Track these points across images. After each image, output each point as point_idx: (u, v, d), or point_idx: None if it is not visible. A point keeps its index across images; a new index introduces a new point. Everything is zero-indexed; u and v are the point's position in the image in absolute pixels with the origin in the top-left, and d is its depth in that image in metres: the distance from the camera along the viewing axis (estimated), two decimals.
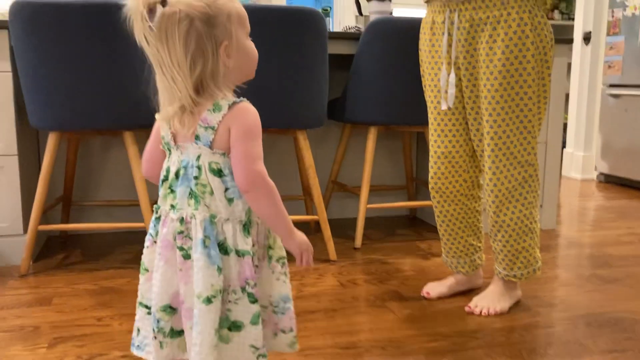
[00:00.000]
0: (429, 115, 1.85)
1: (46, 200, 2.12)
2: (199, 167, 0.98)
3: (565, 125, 4.12)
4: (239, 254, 0.99)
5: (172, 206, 1.00)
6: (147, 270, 1.05)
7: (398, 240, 2.59)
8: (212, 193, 0.98)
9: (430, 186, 1.87)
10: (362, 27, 2.72)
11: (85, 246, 2.45)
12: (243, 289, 0.99)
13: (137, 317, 1.07)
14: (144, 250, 1.05)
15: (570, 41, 2.69)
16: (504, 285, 1.81)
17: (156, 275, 1.01)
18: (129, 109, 2.02)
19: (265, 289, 1.05)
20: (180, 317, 1.01)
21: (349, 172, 2.95)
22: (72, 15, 1.87)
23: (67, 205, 2.48)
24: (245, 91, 2.04)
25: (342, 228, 2.75)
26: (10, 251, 2.17)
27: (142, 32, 0.94)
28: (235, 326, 0.99)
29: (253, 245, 1.01)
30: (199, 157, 0.98)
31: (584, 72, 4.30)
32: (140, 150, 2.64)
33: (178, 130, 0.99)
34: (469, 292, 1.93)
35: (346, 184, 2.77)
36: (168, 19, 0.93)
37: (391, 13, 2.68)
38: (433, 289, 1.91)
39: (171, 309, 1.01)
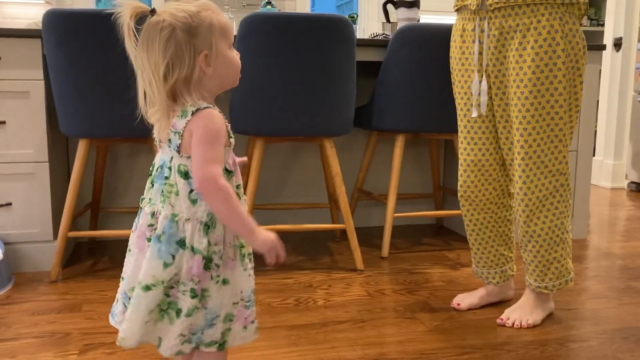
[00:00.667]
0: (459, 122, 1.82)
1: (75, 207, 2.14)
2: (169, 168, 1.05)
3: (594, 133, 4.04)
4: (194, 251, 1.04)
5: (150, 199, 1.08)
6: (130, 251, 1.12)
7: (426, 250, 2.56)
8: (177, 194, 1.04)
9: (459, 194, 1.84)
10: (390, 34, 2.70)
11: (113, 253, 2.46)
12: (187, 284, 1.05)
13: (119, 289, 1.13)
14: (130, 234, 1.12)
15: (602, 47, 2.64)
16: (537, 297, 1.77)
17: (130, 259, 1.09)
18: None
19: (236, 285, 1.09)
20: None
21: (375, 180, 2.93)
22: (102, 24, 1.89)
23: (96, 212, 2.50)
24: (273, 98, 2.04)
25: (368, 237, 2.73)
26: (41, 257, 2.19)
27: (129, 39, 1.02)
28: (179, 312, 1.06)
29: (216, 244, 1.06)
30: (171, 158, 1.06)
31: (614, 79, 4.22)
32: None
33: (157, 132, 1.07)
34: (500, 303, 1.90)
35: (372, 192, 2.75)
36: (153, 27, 1.01)
37: (419, 20, 2.66)
38: (463, 300, 1.88)
39: None
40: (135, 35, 1.02)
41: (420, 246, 2.62)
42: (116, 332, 1.65)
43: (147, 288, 1.04)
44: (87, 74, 1.95)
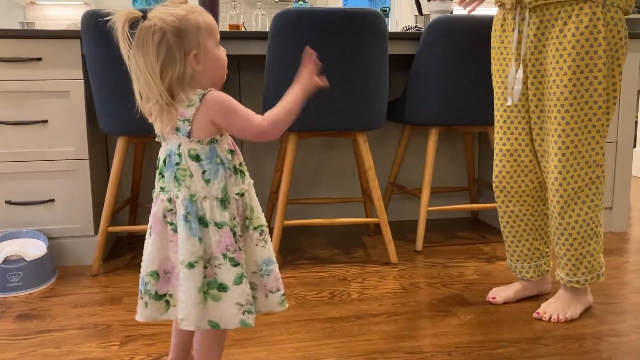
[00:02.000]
0: (495, 112, 1.80)
1: (115, 202, 2.19)
2: (179, 155, 1.14)
3: (635, 124, 3.93)
4: (218, 225, 1.14)
5: (162, 188, 1.17)
6: (147, 239, 1.21)
7: (460, 243, 2.54)
8: (191, 176, 1.13)
9: (494, 185, 1.83)
10: (422, 27, 2.69)
11: None
12: (224, 255, 1.14)
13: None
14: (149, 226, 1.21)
15: None
16: (574, 290, 1.74)
17: (147, 246, 1.19)
18: None
19: (249, 256, 1.20)
20: (163, 283, 1.19)
21: (408, 174, 2.92)
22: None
23: (135, 207, 2.56)
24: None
25: (402, 230, 2.72)
26: (83, 251, 2.26)
27: (123, 43, 1.10)
28: (222, 287, 1.15)
29: (234, 218, 1.15)
30: (179, 146, 1.14)
31: None
32: None
33: (160, 128, 1.14)
34: (537, 297, 1.87)
35: (406, 186, 2.75)
36: (145, 31, 1.09)
37: (452, 12, 2.63)
38: (499, 293, 1.87)
39: (157, 275, 1.18)
40: (129, 39, 1.10)
41: (454, 239, 2.60)
42: (156, 324, 1.71)
43: (191, 265, 1.12)
44: (124, 73, 1.99)
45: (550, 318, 1.71)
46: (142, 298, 1.20)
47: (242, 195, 1.19)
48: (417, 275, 2.12)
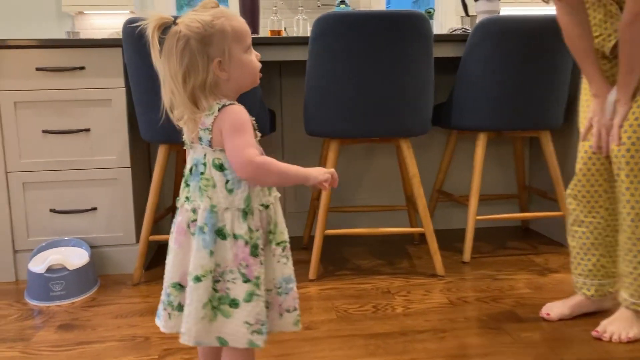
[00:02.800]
0: (580, 113, 1.70)
1: (156, 210, 2.18)
2: (204, 164, 1.11)
3: None
4: (236, 237, 1.09)
5: (187, 198, 1.13)
6: (169, 252, 1.18)
7: (511, 254, 2.42)
8: (214, 186, 1.10)
9: (568, 191, 1.71)
10: (469, 28, 2.59)
11: None
12: (238, 270, 1.09)
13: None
14: (170, 235, 1.18)
15: None
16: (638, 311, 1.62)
17: (169, 257, 1.15)
18: None
19: (268, 272, 1.14)
20: (183, 293, 1.14)
21: (455, 181, 2.82)
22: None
23: None
24: (347, 99, 1.99)
25: (449, 240, 2.62)
26: (125, 260, 2.26)
27: (153, 49, 1.08)
28: (234, 303, 1.10)
29: (257, 231, 1.11)
30: (205, 155, 1.11)
31: None
32: None
33: (186, 134, 1.13)
34: (595, 314, 1.75)
35: (452, 193, 2.65)
36: (171, 38, 1.07)
37: (499, 12, 2.52)
38: (553, 309, 1.76)
39: (180, 287, 1.14)
40: (159, 46, 1.09)
41: (504, 250, 2.48)
42: None
43: (198, 279, 1.08)
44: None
45: (611, 338, 1.59)
46: (165, 309, 1.17)
47: (267, 207, 1.14)
48: (464, 288, 2.03)
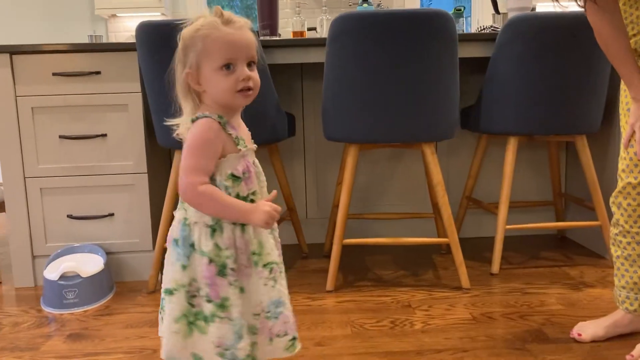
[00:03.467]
0: (621, 117, 1.56)
1: (172, 218, 2.13)
2: None
3: None
4: (202, 254, 1.05)
5: (177, 207, 1.13)
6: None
7: (543, 265, 2.28)
8: None
9: (611, 199, 1.57)
10: (499, 27, 2.45)
11: None
12: (204, 288, 1.06)
13: None
14: None
15: None
16: None
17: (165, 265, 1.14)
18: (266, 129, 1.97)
19: (254, 296, 1.08)
20: None
21: (486, 187, 2.68)
22: None
23: None
24: (366, 102, 1.90)
25: (478, 249, 2.50)
26: (141, 267, 2.23)
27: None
28: (206, 319, 1.06)
29: (227, 249, 1.05)
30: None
31: None
32: (286, 163, 2.64)
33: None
34: (631, 335, 1.61)
35: (482, 201, 2.52)
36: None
37: (533, 9, 2.38)
38: (586, 329, 1.62)
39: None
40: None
41: (536, 261, 2.34)
42: None
43: (169, 292, 1.07)
44: None
45: None
46: (160, 313, 1.16)
47: (243, 226, 1.07)
48: (490, 303, 1.91)
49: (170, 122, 1.12)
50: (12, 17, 4.70)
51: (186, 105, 1.09)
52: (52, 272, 2.00)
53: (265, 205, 1.06)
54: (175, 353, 1.07)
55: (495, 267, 2.18)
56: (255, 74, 1.08)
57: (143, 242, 2.21)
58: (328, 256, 2.39)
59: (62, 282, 1.96)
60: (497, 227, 2.18)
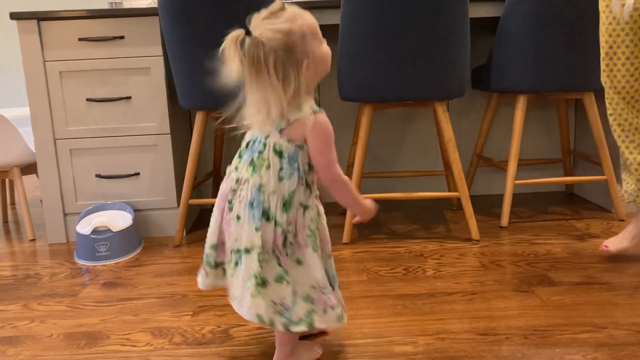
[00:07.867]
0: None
1: (197, 175, 2.24)
2: (264, 144, 1.17)
3: None
4: (276, 224, 1.16)
5: (236, 168, 1.22)
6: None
7: (551, 219, 2.37)
8: (268, 167, 1.15)
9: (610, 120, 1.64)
10: None
11: None
12: (273, 252, 1.16)
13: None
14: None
15: None
16: None
17: (211, 220, 1.25)
18: None
19: (312, 270, 1.19)
20: (219, 253, 1.26)
21: (497, 145, 2.76)
22: (212, 2, 1.94)
23: (217, 180, 2.62)
24: (379, 62, 1.98)
25: (489, 205, 2.59)
26: (167, 223, 2.35)
27: (238, 60, 1.09)
28: (264, 282, 1.16)
29: (290, 224, 1.17)
30: (267, 136, 1.17)
31: None
32: None
33: (262, 129, 1.18)
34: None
35: (492, 158, 2.60)
36: (254, 49, 1.08)
37: None
38: (613, 243, 1.72)
39: (216, 247, 1.25)
40: (242, 55, 1.09)
41: (544, 215, 2.43)
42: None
43: (247, 251, 1.17)
44: (199, 49, 2.01)
45: None
46: (203, 269, 1.30)
47: (305, 207, 1.19)
48: (499, 252, 2.01)
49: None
50: None
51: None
52: (84, 227, 2.13)
53: (372, 203, 1.30)
54: (253, 310, 1.17)
55: (505, 220, 2.28)
56: None
57: (168, 200, 2.33)
58: (344, 213, 2.50)
59: (94, 236, 2.09)
60: (506, 182, 2.26)
